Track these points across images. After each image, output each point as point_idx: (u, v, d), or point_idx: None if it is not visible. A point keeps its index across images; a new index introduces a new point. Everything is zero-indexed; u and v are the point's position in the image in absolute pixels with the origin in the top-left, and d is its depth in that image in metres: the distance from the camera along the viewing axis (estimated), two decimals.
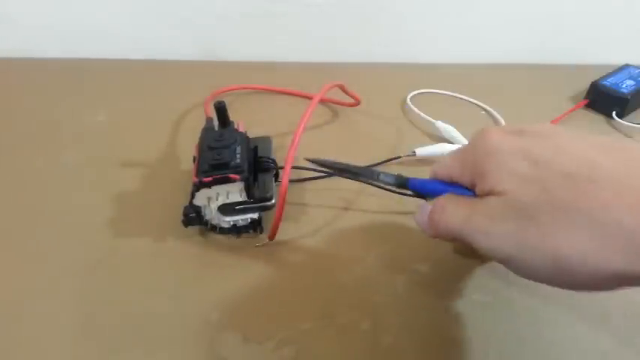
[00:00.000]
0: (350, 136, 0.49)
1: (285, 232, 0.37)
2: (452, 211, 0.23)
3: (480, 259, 0.33)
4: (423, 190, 0.28)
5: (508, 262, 0.20)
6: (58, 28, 0.61)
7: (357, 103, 0.50)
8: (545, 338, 0.29)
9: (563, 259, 0.18)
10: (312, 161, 0.32)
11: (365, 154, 0.43)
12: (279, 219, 0.33)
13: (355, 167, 0.30)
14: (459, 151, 0.25)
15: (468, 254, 0.33)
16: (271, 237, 0.34)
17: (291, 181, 0.41)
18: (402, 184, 0.28)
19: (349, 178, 0.31)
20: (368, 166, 0.38)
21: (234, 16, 0.61)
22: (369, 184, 0.29)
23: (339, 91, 0.49)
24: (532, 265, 0.19)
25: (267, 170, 0.36)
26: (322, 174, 0.41)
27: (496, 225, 0.20)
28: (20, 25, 0.61)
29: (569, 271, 0.18)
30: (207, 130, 0.37)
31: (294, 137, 0.33)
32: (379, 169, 0.38)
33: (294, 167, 0.41)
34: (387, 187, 0.29)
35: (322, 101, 0.53)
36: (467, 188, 0.24)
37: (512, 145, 0.21)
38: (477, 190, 0.22)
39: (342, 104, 0.52)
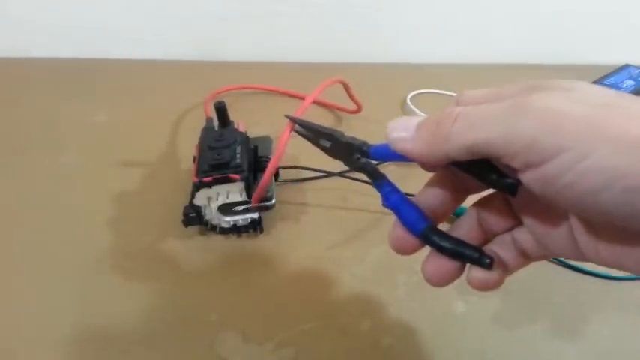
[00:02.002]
0: None
1: (285, 232, 0.37)
2: (483, 111, 0.18)
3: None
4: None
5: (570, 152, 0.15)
6: (58, 28, 0.61)
7: (359, 109, 0.50)
8: (544, 337, 0.29)
9: None
10: (291, 119, 0.28)
11: None
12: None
13: (321, 127, 0.25)
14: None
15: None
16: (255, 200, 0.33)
17: (291, 181, 0.41)
18: (363, 152, 0.23)
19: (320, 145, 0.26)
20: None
21: (234, 16, 0.61)
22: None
23: (342, 96, 0.48)
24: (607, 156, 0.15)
25: None
26: (322, 174, 0.41)
27: (571, 105, 0.16)
28: (20, 25, 0.61)
29: None
30: (207, 130, 0.37)
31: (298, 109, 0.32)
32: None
33: (294, 167, 0.41)
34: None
35: (325, 105, 0.53)
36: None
37: None
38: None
39: (343, 110, 0.51)
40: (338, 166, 0.40)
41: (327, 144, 0.25)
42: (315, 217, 0.38)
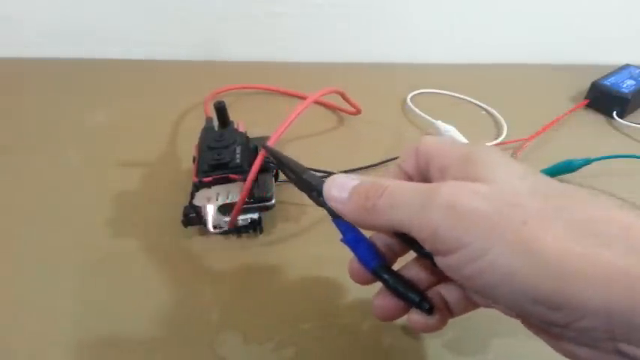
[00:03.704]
0: (350, 138, 0.49)
1: (285, 231, 0.37)
2: (405, 192, 0.19)
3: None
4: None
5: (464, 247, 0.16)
6: (58, 28, 0.61)
7: (358, 112, 0.50)
8: None
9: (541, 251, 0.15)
10: (265, 148, 0.29)
11: (365, 155, 0.43)
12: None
13: (290, 160, 0.26)
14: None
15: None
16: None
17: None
18: (319, 192, 0.23)
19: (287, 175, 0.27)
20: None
21: (234, 16, 0.61)
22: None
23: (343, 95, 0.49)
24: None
25: (267, 170, 0.36)
26: (323, 175, 0.40)
27: (475, 202, 0.16)
28: (20, 25, 0.61)
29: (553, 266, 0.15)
30: (207, 130, 0.37)
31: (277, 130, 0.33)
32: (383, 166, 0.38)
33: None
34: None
35: (326, 106, 0.53)
36: None
37: None
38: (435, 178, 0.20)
39: (343, 111, 0.51)
40: (338, 166, 0.41)
41: (293, 175, 0.26)
42: (315, 217, 0.38)
